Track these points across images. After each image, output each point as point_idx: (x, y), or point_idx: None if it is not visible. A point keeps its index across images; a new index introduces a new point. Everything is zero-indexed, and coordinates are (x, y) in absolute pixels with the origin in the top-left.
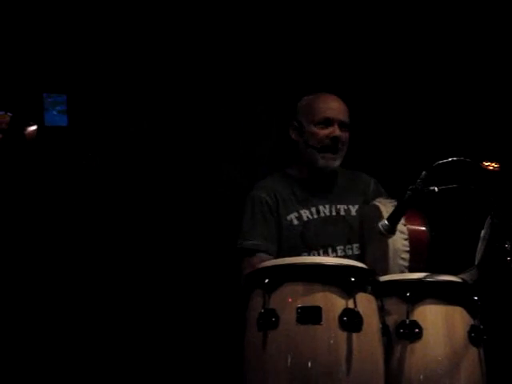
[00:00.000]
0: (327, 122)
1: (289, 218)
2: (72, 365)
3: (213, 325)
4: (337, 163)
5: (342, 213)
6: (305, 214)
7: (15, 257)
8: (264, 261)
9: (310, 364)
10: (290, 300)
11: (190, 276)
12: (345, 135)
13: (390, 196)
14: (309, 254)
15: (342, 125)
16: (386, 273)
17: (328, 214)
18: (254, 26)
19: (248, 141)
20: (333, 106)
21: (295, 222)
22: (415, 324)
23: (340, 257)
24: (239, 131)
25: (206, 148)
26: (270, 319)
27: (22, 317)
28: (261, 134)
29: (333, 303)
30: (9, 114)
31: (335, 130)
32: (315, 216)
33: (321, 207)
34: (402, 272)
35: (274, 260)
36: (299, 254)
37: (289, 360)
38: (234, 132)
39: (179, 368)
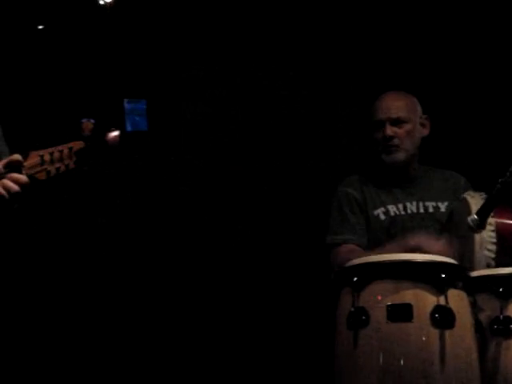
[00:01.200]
0: (379, 125)
1: (376, 212)
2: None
3: (301, 322)
4: (400, 156)
5: (431, 210)
6: (392, 209)
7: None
8: (354, 252)
9: (402, 362)
10: (379, 298)
11: (277, 274)
12: (399, 130)
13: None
14: None
15: (393, 122)
16: (472, 265)
17: (415, 211)
18: (339, 29)
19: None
20: (382, 106)
21: (382, 216)
22: (509, 320)
23: None
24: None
25: (295, 147)
26: (360, 318)
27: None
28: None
29: (423, 300)
30: (91, 120)
31: (385, 130)
32: (402, 212)
33: (408, 204)
34: (489, 264)
35: (362, 258)
36: None
37: (381, 358)
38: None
39: (268, 365)
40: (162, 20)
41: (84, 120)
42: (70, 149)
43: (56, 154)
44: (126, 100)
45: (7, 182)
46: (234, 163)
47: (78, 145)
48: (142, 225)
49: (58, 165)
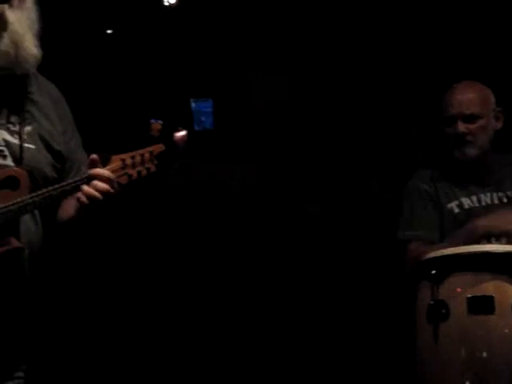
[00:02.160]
0: (451, 120)
1: (449, 206)
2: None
3: (376, 317)
4: (472, 152)
5: (505, 200)
6: (466, 201)
7: None
8: (427, 249)
9: (485, 354)
10: (459, 290)
11: (350, 270)
12: (472, 126)
13: None
14: None
15: (466, 118)
16: None
17: (490, 202)
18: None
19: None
20: (453, 101)
21: (456, 210)
22: None
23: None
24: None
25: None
26: (440, 311)
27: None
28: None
29: (505, 292)
30: (159, 121)
31: (457, 126)
32: (476, 204)
33: (482, 195)
34: None
35: (440, 250)
36: None
37: (463, 351)
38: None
39: (349, 361)
40: (227, 20)
41: (152, 121)
42: (151, 152)
43: (137, 158)
44: (192, 100)
45: (96, 182)
46: (299, 159)
47: (158, 148)
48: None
49: (139, 168)
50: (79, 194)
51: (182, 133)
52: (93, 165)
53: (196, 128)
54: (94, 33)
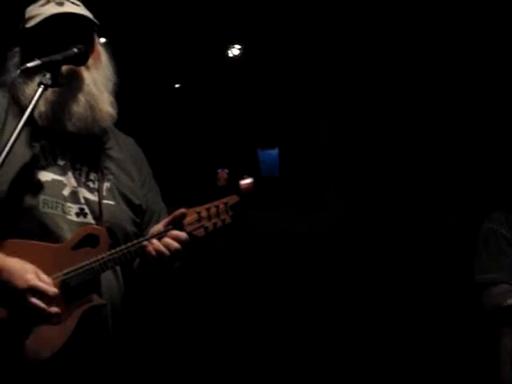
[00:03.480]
0: None
1: None
2: None
3: (457, 360)
4: None
5: None
6: None
7: None
8: (507, 292)
9: None
10: None
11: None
12: None
13: None
14: None
15: None
16: None
17: None
18: None
19: None
20: None
21: None
22: None
23: None
24: None
25: None
26: None
27: None
28: None
29: None
30: (226, 170)
31: None
32: None
33: None
34: None
35: None
36: None
37: None
38: None
39: None
40: (290, 69)
41: (219, 170)
42: (226, 203)
43: (212, 210)
44: (258, 149)
45: (168, 240)
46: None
47: (233, 199)
48: None
49: (214, 220)
50: (149, 247)
51: (248, 181)
52: (175, 220)
53: (262, 175)
54: (162, 88)
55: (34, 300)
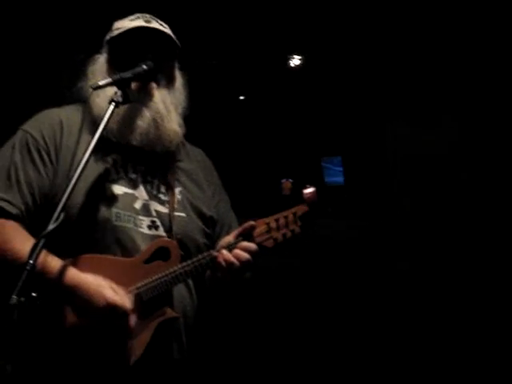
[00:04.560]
0: None
1: None
2: None
3: None
4: None
5: None
6: None
7: None
8: None
9: None
10: None
11: None
12: None
13: None
14: None
15: None
16: None
17: None
18: None
19: None
20: None
21: None
22: None
23: None
24: None
25: None
26: None
27: None
28: None
29: None
30: (290, 180)
31: None
32: None
33: None
34: None
35: None
36: None
37: None
38: None
39: None
40: (353, 77)
41: (283, 180)
42: (295, 213)
43: (281, 221)
44: (322, 158)
45: (238, 251)
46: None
47: (301, 209)
48: None
49: (284, 231)
50: (220, 258)
51: (311, 189)
52: (245, 231)
53: (326, 183)
54: (227, 100)
55: (114, 316)
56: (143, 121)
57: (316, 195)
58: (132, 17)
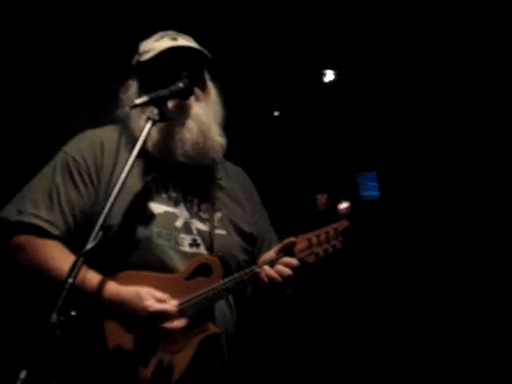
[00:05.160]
0: None
1: None
2: None
3: None
4: None
5: None
6: None
7: None
8: None
9: None
10: None
11: None
12: None
13: None
14: None
15: None
16: None
17: None
18: None
19: None
20: None
21: None
22: None
23: None
24: None
25: None
26: None
27: None
28: None
29: None
30: (325, 195)
31: None
32: None
33: None
34: None
35: None
36: None
37: None
38: None
39: None
40: (387, 92)
41: (318, 195)
42: (336, 229)
43: (322, 236)
44: (357, 173)
45: (280, 267)
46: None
47: (342, 225)
48: None
49: (325, 246)
50: (262, 274)
51: (345, 204)
52: (286, 247)
53: (362, 198)
54: (262, 116)
55: (158, 324)
56: (191, 133)
57: (351, 210)
58: (156, 36)
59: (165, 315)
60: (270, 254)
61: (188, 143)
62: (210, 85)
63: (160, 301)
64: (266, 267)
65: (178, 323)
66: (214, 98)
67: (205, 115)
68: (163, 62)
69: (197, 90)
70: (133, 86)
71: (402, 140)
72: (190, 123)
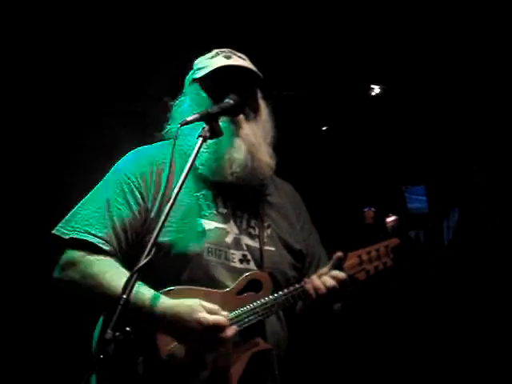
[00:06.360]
0: None
1: None
2: None
3: None
4: None
5: None
6: None
7: None
8: None
9: None
10: None
11: None
12: None
13: None
14: None
15: None
16: None
17: None
18: None
19: None
20: None
21: None
22: None
23: None
24: None
25: None
26: None
27: None
28: None
29: None
30: (372, 209)
31: None
32: None
33: None
34: None
35: None
36: None
37: None
38: None
39: None
40: (435, 105)
41: (366, 209)
42: (387, 246)
43: (373, 253)
44: (404, 187)
45: (325, 277)
46: None
47: (393, 242)
48: None
49: (376, 263)
50: (308, 285)
51: (393, 218)
52: (336, 263)
53: (410, 212)
54: (310, 131)
55: (214, 335)
56: (239, 153)
57: (398, 223)
58: (211, 54)
59: (218, 326)
60: (324, 269)
61: (237, 163)
62: (262, 104)
63: (211, 312)
64: (313, 277)
65: (230, 331)
66: (265, 118)
67: (254, 135)
68: (216, 80)
69: (247, 110)
70: (185, 101)
71: (451, 153)
72: (239, 143)
